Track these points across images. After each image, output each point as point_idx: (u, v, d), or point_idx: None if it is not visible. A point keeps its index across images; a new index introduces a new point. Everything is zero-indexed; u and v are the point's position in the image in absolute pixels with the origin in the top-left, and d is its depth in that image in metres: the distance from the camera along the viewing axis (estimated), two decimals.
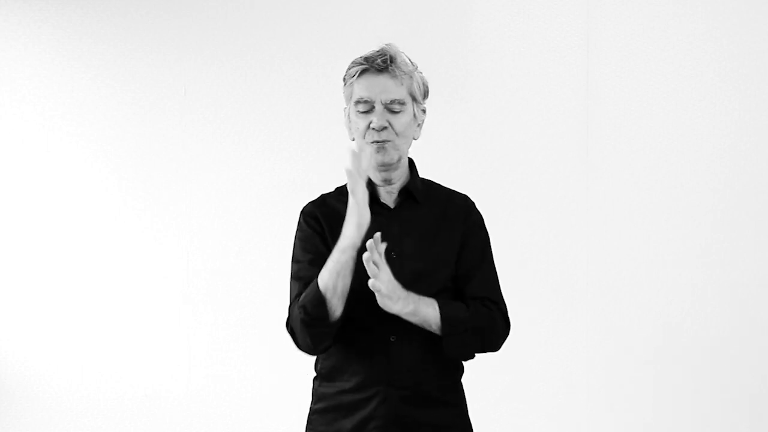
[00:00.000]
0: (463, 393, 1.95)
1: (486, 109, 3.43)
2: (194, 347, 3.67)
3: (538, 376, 3.40)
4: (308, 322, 1.76)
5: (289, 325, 1.84)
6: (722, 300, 3.28)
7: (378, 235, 1.69)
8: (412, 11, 3.49)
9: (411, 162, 1.95)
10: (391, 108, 1.84)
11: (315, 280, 1.77)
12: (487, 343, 1.86)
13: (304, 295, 1.79)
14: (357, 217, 1.70)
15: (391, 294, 1.70)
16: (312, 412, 1.92)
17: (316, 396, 1.92)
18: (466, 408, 1.95)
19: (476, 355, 1.88)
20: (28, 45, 3.78)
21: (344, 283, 1.74)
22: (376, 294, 1.70)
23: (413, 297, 1.75)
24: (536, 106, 3.39)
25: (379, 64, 1.83)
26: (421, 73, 1.90)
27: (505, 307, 1.92)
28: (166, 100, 3.68)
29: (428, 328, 1.78)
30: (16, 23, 3.79)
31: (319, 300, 1.74)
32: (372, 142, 1.83)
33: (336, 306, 1.75)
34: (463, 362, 1.96)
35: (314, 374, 1.95)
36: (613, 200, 3.35)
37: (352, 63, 1.87)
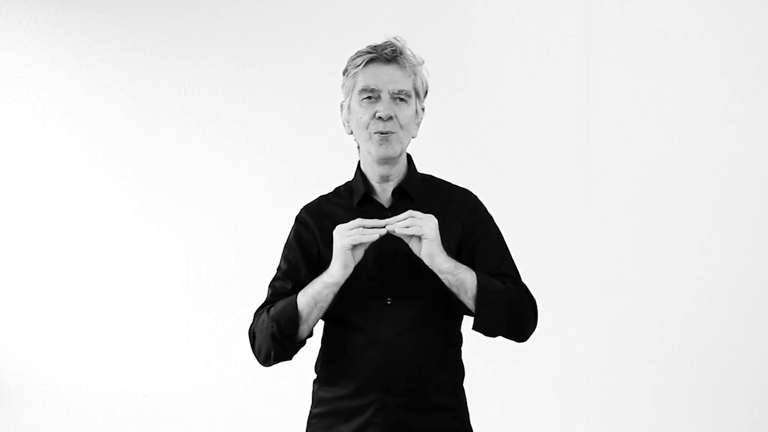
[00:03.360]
0: (464, 396, 1.94)
1: (486, 109, 3.43)
2: (194, 347, 3.67)
3: (538, 376, 3.40)
4: (278, 338, 1.79)
5: (252, 331, 1.86)
6: (722, 300, 3.28)
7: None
8: (412, 11, 3.49)
9: (409, 158, 1.93)
10: (397, 98, 1.81)
11: (293, 299, 1.79)
12: (515, 323, 1.81)
13: (279, 309, 1.80)
14: (344, 260, 1.72)
15: (439, 247, 1.71)
16: (311, 416, 1.92)
17: (316, 399, 1.92)
18: (467, 412, 1.93)
19: (501, 337, 1.85)
20: (28, 45, 3.78)
21: (319, 313, 1.78)
22: (424, 243, 1.70)
23: (451, 258, 1.76)
24: (536, 106, 3.39)
25: (388, 53, 1.81)
26: (424, 69, 1.88)
27: (532, 294, 1.90)
28: (166, 100, 3.68)
29: (462, 295, 1.76)
30: (16, 23, 3.79)
31: (293, 321, 1.77)
32: (376, 133, 1.80)
33: (305, 331, 1.80)
34: (464, 363, 1.95)
35: (314, 376, 1.94)
36: (613, 200, 3.35)
37: (357, 53, 1.84)
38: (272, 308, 1.83)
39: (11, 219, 3.80)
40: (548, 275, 3.36)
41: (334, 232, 1.73)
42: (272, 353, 1.81)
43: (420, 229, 1.70)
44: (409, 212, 1.72)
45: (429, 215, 1.73)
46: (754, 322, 3.26)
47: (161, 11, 3.69)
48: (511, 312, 1.79)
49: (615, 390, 3.36)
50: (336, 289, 1.75)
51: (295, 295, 1.80)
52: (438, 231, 1.72)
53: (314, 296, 1.76)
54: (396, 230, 1.71)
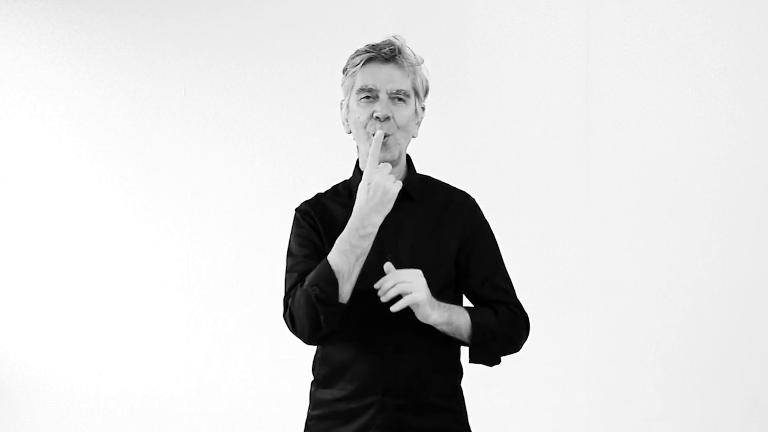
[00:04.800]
0: (463, 397, 1.93)
1: (486, 109, 3.43)
2: (194, 347, 3.67)
3: (538, 376, 3.40)
4: (324, 299, 1.70)
5: (289, 312, 1.78)
6: (722, 300, 3.28)
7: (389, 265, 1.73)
8: (412, 11, 3.49)
9: (408, 158, 1.92)
10: (395, 98, 1.79)
11: (323, 263, 1.72)
12: (511, 348, 1.86)
13: (311, 277, 1.73)
14: (384, 206, 1.70)
15: (429, 302, 1.71)
16: (309, 418, 1.90)
17: (313, 402, 1.90)
18: (466, 413, 1.93)
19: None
20: (28, 45, 3.78)
21: (359, 269, 1.73)
22: (417, 309, 1.70)
23: (445, 305, 1.75)
24: (536, 106, 3.39)
25: (387, 53, 1.79)
26: (425, 68, 1.87)
27: (522, 307, 1.92)
28: (166, 100, 3.68)
29: (457, 337, 1.78)
30: (16, 23, 3.79)
31: (333, 281, 1.70)
32: (373, 134, 1.78)
33: (346, 292, 1.72)
34: (465, 365, 1.96)
35: (312, 377, 1.93)
36: (613, 200, 3.35)
37: (356, 52, 1.83)
38: (304, 283, 1.75)
39: (11, 219, 3.80)
40: (548, 275, 3.36)
41: (376, 178, 1.70)
42: (322, 318, 1.71)
43: (412, 298, 1.68)
44: (393, 275, 1.70)
45: (413, 274, 1.70)
46: (754, 322, 3.26)
47: (161, 11, 3.69)
48: (505, 342, 1.83)
49: (615, 390, 3.36)
50: (372, 240, 1.72)
51: (325, 258, 1.73)
52: (427, 287, 1.71)
53: (352, 250, 1.70)
54: (388, 296, 1.69)
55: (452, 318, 1.75)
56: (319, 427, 1.86)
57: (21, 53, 3.78)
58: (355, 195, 1.85)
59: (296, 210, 1.92)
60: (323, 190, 1.96)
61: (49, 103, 3.77)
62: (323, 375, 1.87)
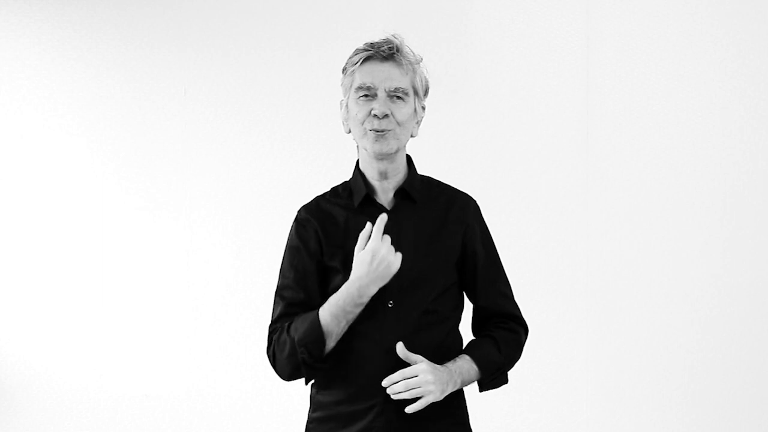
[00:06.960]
0: (464, 399, 1.93)
1: (486, 108, 3.43)
2: (194, 347, 3.67)
3: (538, 376, 3.40)
4: (311, 364, 1.75)
5: (272, 352, 1.81)
6: (722, 299, 3.28)
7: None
8: (411, 11, 3.49)
9: (409, 159, 1.91)
10: (393, 96, 1.79)
11: (315, 318, 1.75)
12: (514, 364, 1.93)
13: (303, 332, 1.75)
14: (384, 279, 1.73)
15: (445, 390, 1.74)
16: (310, 420, 1.89)
17: (314, 404, 1.89)
18: (467, 415, 1.92)
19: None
20: (28, 45, 3.78)
21: (345, 328, 1.76)
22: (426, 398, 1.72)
23: (454, 369, 1.77)
24: (536, 106, 3.39)
25: (385, 51, 1.79)
26: (424, 68, 1.86)
27: (521, 312, 1.93)
28: (166, 100, 3.68)
29: (470, 383, 1.84)
30: (16, 23, 3.79)
31: (321, 342, 1.74)
32: (371, 130, 1.78)
33: (330, 347, 1.76)
34: None
35: (312, 380, 1.91)
36: (613, 200, 3.35)
37: (355, 51, 1.82)
38: (292, 328, 1.77)
39: (11, 219, 3.81)
40: (548, 275, 3.36)
41: (383, 252, 1.72)
42: (306, 374, 1.78)
43: (426, 401, 1.71)
44: (401, 375, 1.71)
45: (421, 371, 1.71)
46: (755, 322, 3.26)
47: (161, 11, 3.69)
48: (511, 365, 1.91)
49: (615, 390, 3.36)
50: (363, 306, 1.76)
51: (316, 315, 1.76)
52: (437, 378, 1.72)
53: (344, 316, 1.73)
54: (399, 397, 1.72)
55: (464, 379, 1.80)
56: (320, 429, 1.85)
57: (21, 53, 3.78)
58: (357, 197, 1.86)
59: (294, 219, 1.90)
60: (322, 192, 1.94)
61: (49, 103, 3.77)
62: (324, 377, 1.85)
